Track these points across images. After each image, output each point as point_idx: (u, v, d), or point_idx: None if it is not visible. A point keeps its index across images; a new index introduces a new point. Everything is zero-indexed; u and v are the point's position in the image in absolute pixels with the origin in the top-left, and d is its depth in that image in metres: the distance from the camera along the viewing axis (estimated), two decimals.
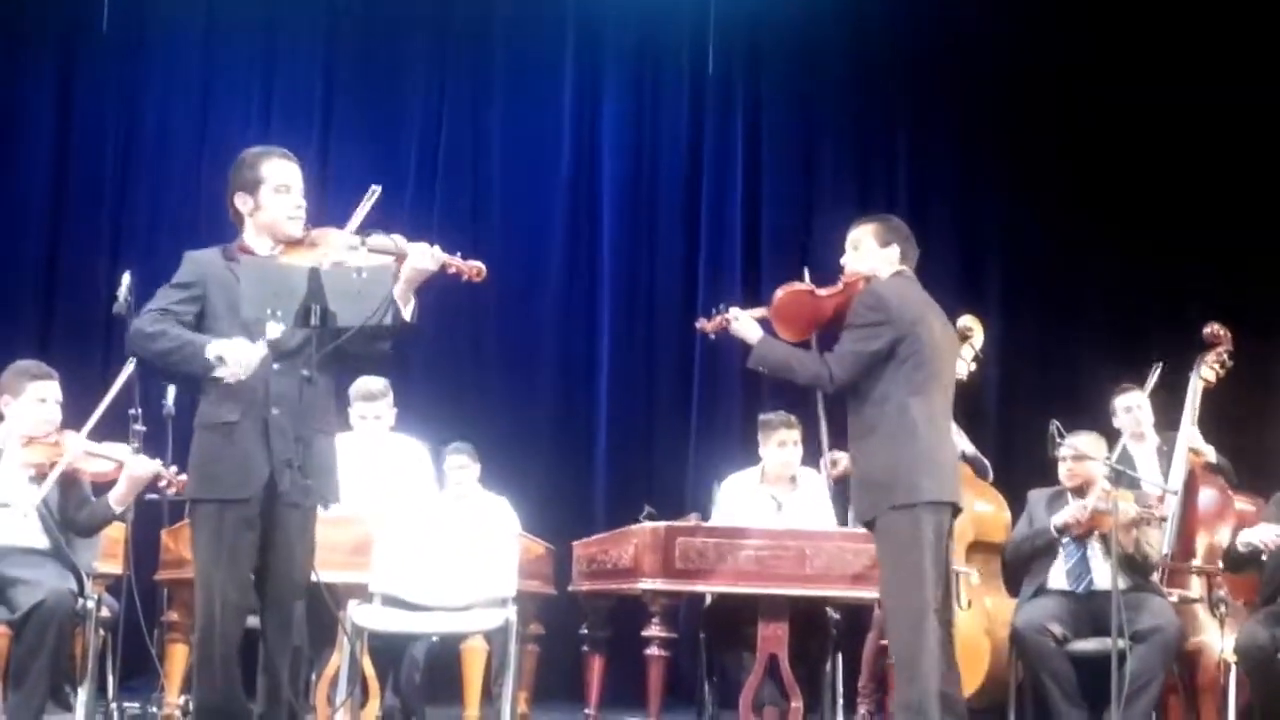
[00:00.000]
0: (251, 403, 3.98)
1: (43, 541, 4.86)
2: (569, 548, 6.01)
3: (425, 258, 4.01)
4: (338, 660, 5.07)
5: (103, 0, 8.12)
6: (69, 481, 4.93)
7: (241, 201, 4.14)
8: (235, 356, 3.90)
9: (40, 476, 4.87)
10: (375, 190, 4.18)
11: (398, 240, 4.05)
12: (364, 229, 4.14)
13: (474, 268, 4.09)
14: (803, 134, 8.68)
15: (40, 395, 4.98)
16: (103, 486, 4.98)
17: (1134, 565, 5.63)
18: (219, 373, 3.91)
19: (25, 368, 5.07)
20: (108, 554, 5.59)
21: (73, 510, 4.95)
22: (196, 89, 8.36)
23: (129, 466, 4.86)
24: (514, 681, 5.24)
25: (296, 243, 4.08)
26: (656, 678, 5.22)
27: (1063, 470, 5.86)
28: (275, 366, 3.96)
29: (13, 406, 5.01)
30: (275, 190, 4.10)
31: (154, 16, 8.34)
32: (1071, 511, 5.72)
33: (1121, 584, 5.40)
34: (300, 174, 4.18)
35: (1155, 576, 5.75)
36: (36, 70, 8.22)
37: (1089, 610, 5.65)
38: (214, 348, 3.91)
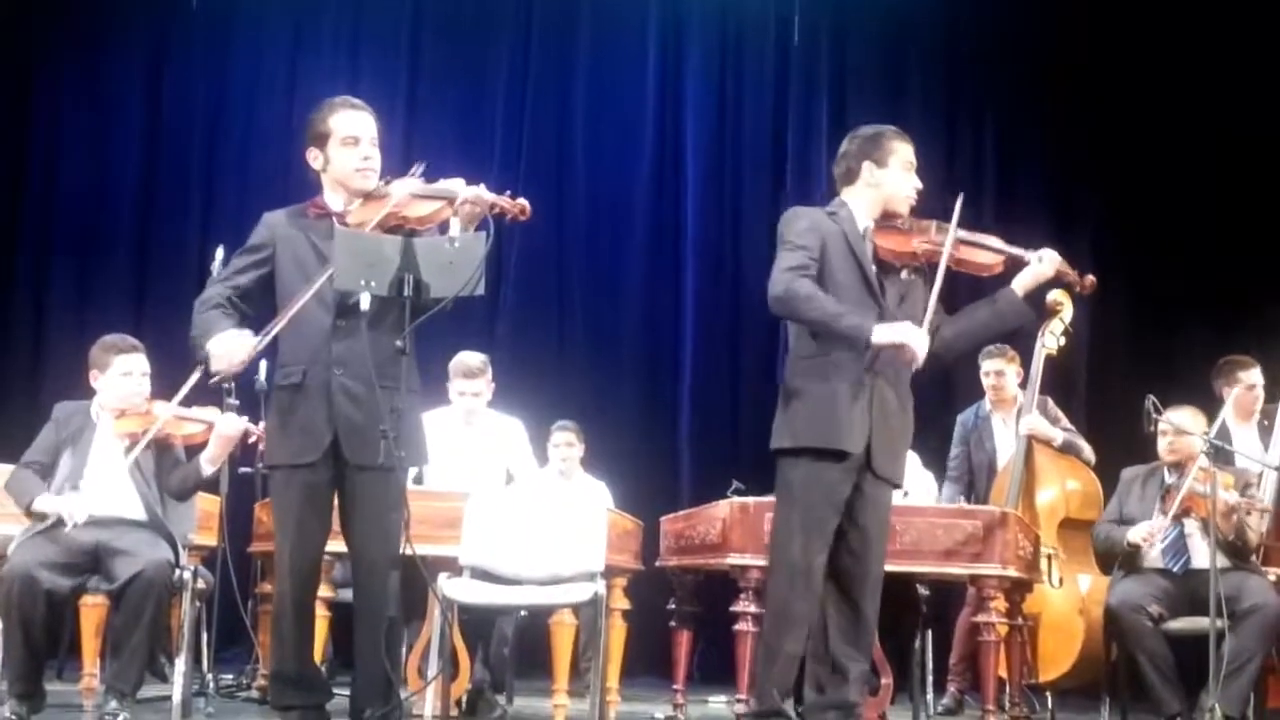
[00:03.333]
0: (314, 364, 3.96)
1: (140, 512, 4.92)
2: (656, 523, 5.99)
3: (476, 195, 3.96)
4: (428, 633, 5.10)
5: None
6: (162, 447, 5.00)
7: (313, 157, 4.11)
8: (219, 351, 3.93)
9: (134, 446, 4.93)
10: (419, 167, 4.08)
11: (449, 184, 4.01)
12: (427, 174, 4.08)
13: (519, 205, 4.03)
14: (888, 105, 8.56)
15: (125, 369, 5.04)
16: (195, 452, 5.04)
17: (1233, 548, 5.52)
18: (212, 366, 3.97)
19: (111, 342, 5.12)
20: (203, 526, 5.67)
21: (166, 474, 5.01)
22: (284, 65, 8.44)
23: (218, 425, 4.92)
24: (602, 656, 5.24)
25: (369, 196, 4.03)
26: (745, 653, 5.17)
27: (1162, 445, 5.76)
28: (340, 323, 3.93)
29: (101, 381, 5.07)
30: (342, 143, 4.04)
31: None
32: (1143, 533, 5.61)
33: (1220, 563, 5.31)
34: (372, 123, 4.09)
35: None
36: (128, 48, 8.35)
37: (1186, 589, 5.56)
38: (211, 343, 3.95)
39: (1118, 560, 5.74)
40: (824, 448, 4.29)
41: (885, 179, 4.42)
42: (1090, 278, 4.49)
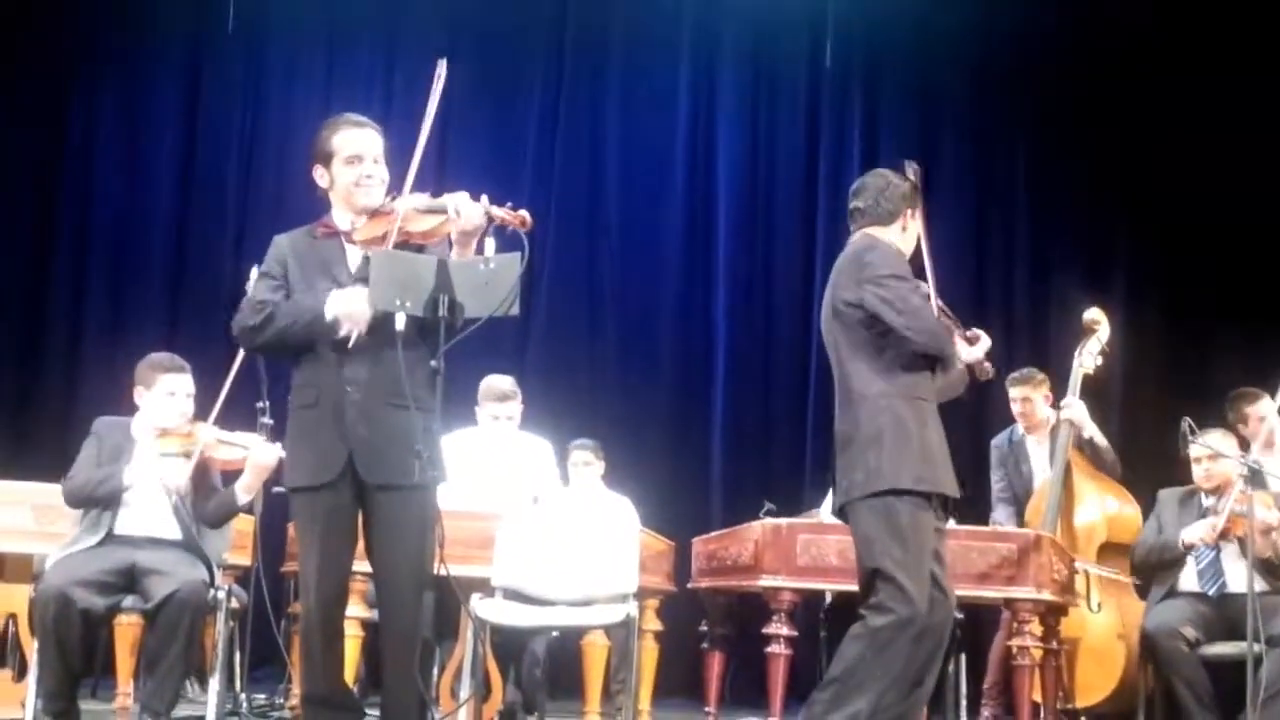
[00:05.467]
0: (326, 383, 3.90)
1: (175, 532, 4.93)
2: (687, 544, 5.98)
3: (470, 214, 3.88)
4: (461, 653, 5.10)
5: (228, 3, 8.26)
6: (200, 472, 5.00)
7: (319, 175, 4.07)
8: (348, 311, 3.85)
9: (173, 466, 4.95)
10: (442, 65, 3.99)
11: (451, 198, 3.93)
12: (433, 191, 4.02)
13: (518, 217, 3.91)
14: (921, 133, 8.58)
15: (171, 388, 5.06)
16: (231, 478, 5.05)
17: (1269, 569, 5.49)
18: (342, 331, 3.88)
19: (158, 360, 5.16)
20: (237, 546, 5.68)
21: (202, 500, 5.02)
22: (318, 89, 8.48)
23: (253, 454, 4.92)
24: (634, 677, 5.23)
25: (375, 213, 3.99)
26: (778, 676, 5.17)
27: (1198, 471, 5.72)
28: (352, 343, 3.87)
29: (145, 398, 5.09)
30: (346, 162, 4.00)
31: (278, 18, 8.47)
32: (1200, 531, 5.58)
33: (1256, 586, 5.26)
34: (377, 140, 4.06)
35: None
36: (164, 71, 8.40)
37: (1222, 614, 5.54)
38: (331, 307, 3.87)
39: (1159, 571, 5.69)
40: (945, 494, 4.27)
41: (913, 230, 4.48)
42: (990, 367, 4.59)
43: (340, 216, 4.06)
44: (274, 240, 4.12)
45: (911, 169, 4.50)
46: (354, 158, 4.01)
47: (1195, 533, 5.59)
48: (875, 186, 4.46)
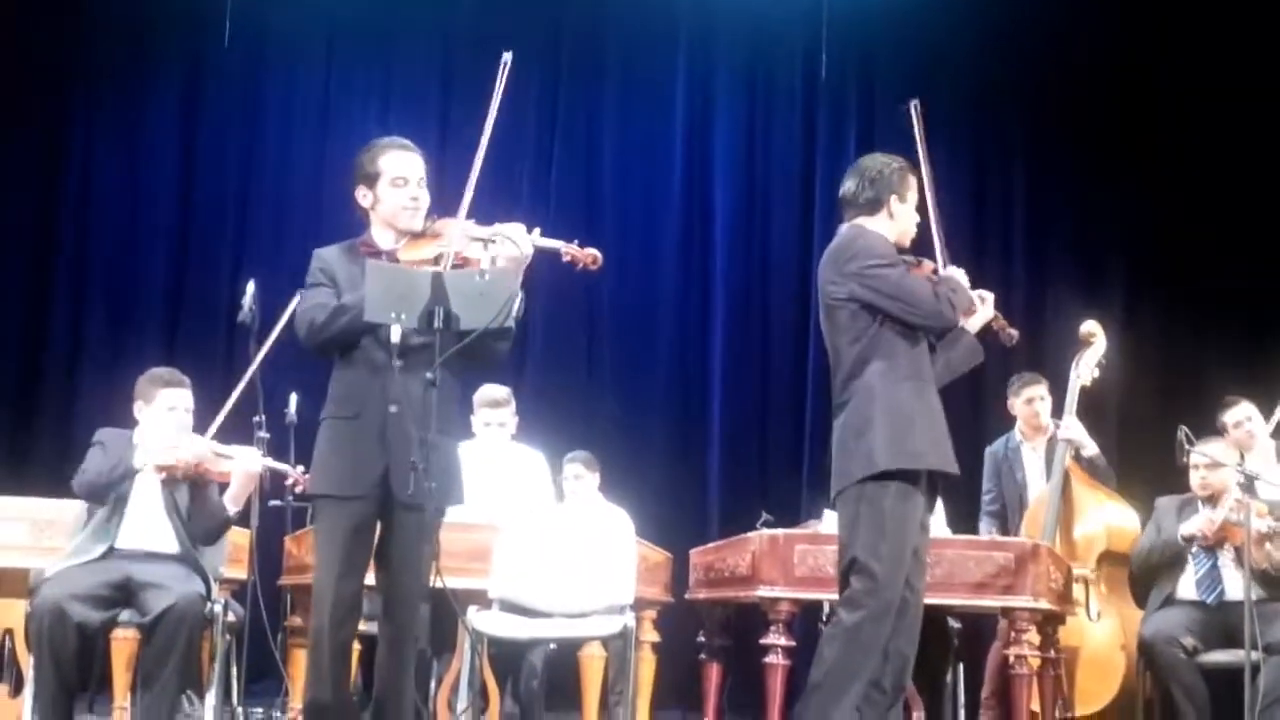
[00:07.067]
0: (370, 399, 3.95)
1: (173, 546, 4.94)
2: (685, 555, 5.98)
3: (527, 245, 3.99)
4: (458, 666, 5.10)
5: (225, 18, 8.27)
6: (199, 484, 5.01)
7: (362, 196, 4.14)
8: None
9: (172, 480, 4.96)
10: (507, 59, 4.23)
11: (507, 230, 4.01)
12: (481, 219, 4.08)
13: (589, 255, 4.04)
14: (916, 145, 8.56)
15: (171, 403, 5.08)
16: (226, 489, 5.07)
17: (1267, 578, 5.48)
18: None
19: (159, 375, 5.17)
20: (233, 559, 5.68)
21: (200, 514, 5.02)
22: (316, 104, 8.49)
23: (238, 462, 4.93)
24: (631, 689, 5.23)
25: (418, 235, 4.06)
26: (775, 686, 5.16)
27: (1195, 479, 5.73)
28: (398, 364, 3.89)
29: (145, 413, 5.10)
30: (392, 183, 4.08)
31: (275, 34, 8.46)
32: (1199, 523, 5.59)
33: (1254, 594, 5.26)
34: (421, 164, 4.14)
35: None
36: (161, 87, 8.40)
37: (1220, 621, 5.53)
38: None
39: (1160, 571, 5.68)
40: (944, 471, 4.28)
41: (904, 214, 4.46)
42: (1014, 333, 4.65)
43: (382, 236, 4.13)
44: (315, 254, 4.17)
45: (913, 105, 4.49)
46: (400, 179, 4.08)
47: (1194, 524, 5.59)
48: (858, 174, 4.47)
